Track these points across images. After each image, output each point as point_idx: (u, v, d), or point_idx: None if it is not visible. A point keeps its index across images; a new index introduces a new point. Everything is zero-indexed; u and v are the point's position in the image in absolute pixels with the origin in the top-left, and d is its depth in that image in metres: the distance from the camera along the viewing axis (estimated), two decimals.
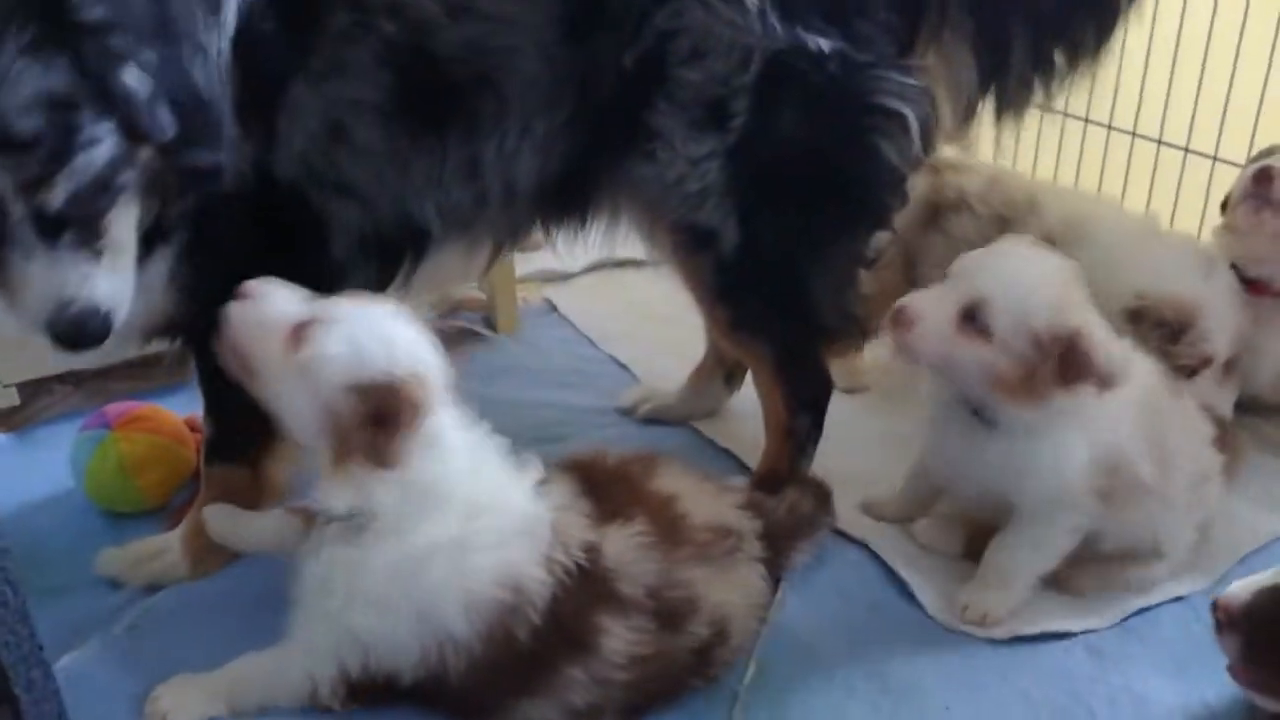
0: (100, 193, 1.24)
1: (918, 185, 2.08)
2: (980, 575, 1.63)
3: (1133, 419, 1.52)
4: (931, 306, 1.45)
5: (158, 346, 1.57)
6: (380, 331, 1.26)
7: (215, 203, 1.39)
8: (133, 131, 1.24)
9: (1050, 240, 1.93)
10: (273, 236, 1.47)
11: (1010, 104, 1.74)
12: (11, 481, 1.96)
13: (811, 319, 1.69)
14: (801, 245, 1.63)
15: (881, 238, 1.70)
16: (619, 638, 1.32)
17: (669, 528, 1.40)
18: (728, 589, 1.43)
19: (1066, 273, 1.49)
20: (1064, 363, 1.41)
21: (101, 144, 1.21)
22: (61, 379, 2.14)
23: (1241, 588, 1.15)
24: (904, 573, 1.71)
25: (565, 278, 2.67)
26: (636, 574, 1.35)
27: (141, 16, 1.22)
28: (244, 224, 1.44)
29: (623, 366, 2.35)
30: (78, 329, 1.26)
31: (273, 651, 1.40)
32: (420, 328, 1.31)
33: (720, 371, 2.10)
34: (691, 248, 1.64)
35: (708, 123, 1.55)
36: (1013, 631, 1.60)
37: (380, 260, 1.58)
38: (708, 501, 1.48)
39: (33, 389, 2.12)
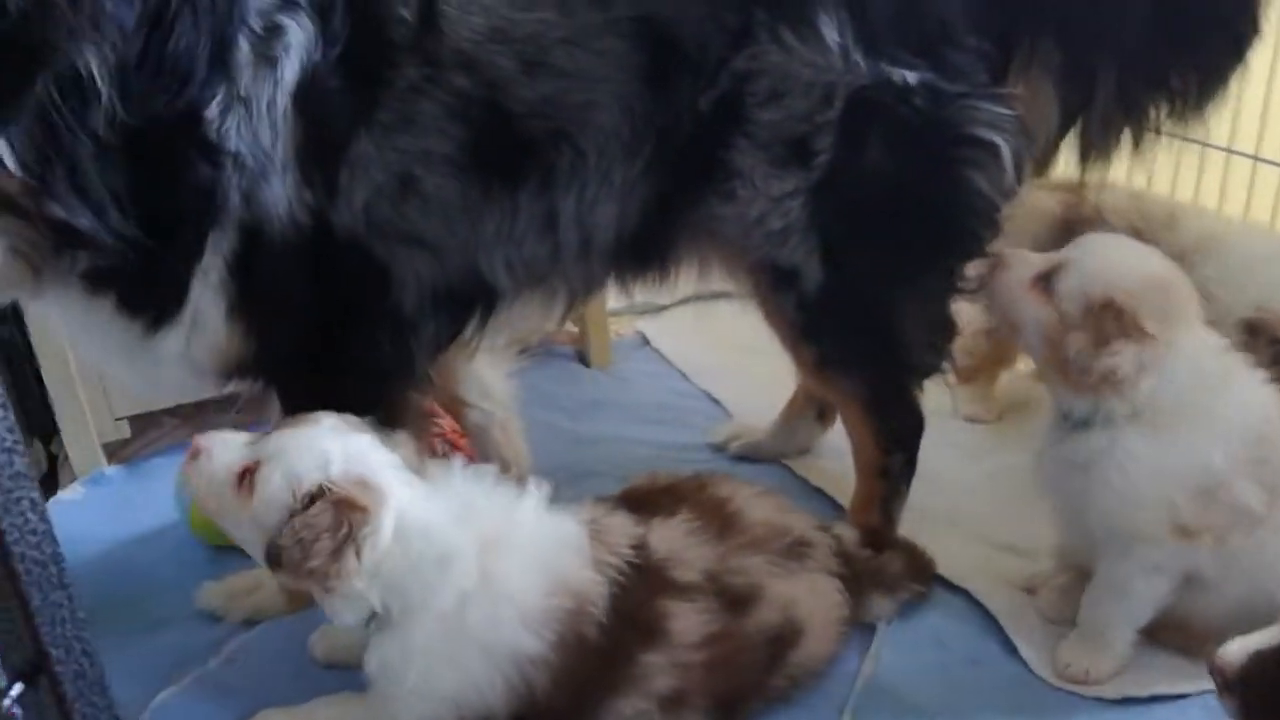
0: None
1: (1052, 204, 2.05)
2: (1077, 630, 1.55)
3: (1235, 441, 1.42)
4: (1021, 261, 1.50)
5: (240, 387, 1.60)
6: (313, 454, 1.29)
7: (267, 250, 1.41)
8: None
9: (1183, 256, 1.87)
10: (335, 286, 1.47)
11: (1094, 145, 1.67)
12: (120, 513, 2.04)
13: (901, 355, 1.65)
14: (889, 281, 1.59)
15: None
16: (686, 619, 1.35)
17: (721, 522, 1.44)
18: (796, 586, 1.44)
19: (1161, 271, 1.45)
20: (1094, 327, 1.39)
21: None
22: (171, 412, 2.21)
23: (1239, 648, 1.08)
24: (1007, 625, 1.63)
25: (658, 310, 2.65)
26: (691, 559, 1.39)
27: None
28: (302, 273, 1.44)
29: (715, 401, 2.32)
30: None
31: (365, 700, 1.41)
32: (360, 430, 1.35)
33: (812, 408, 2.05)
34: (774, 286, 1.61)
35: (790, 160, 1.52)
36: (1123, 692, 1.50)
37: (450, 314, 1.57)
38: (763, 505, 1.50)
39: (143, 422, 2.20)
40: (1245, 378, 1.49)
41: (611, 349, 2.51)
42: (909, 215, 1.54)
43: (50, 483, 2.20)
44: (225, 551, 1.89)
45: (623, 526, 1.41)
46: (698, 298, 2.60)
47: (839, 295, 1.58)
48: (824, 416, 2.05)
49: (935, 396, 1.78)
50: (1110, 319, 1.39)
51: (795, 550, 1.47)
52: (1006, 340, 1.59)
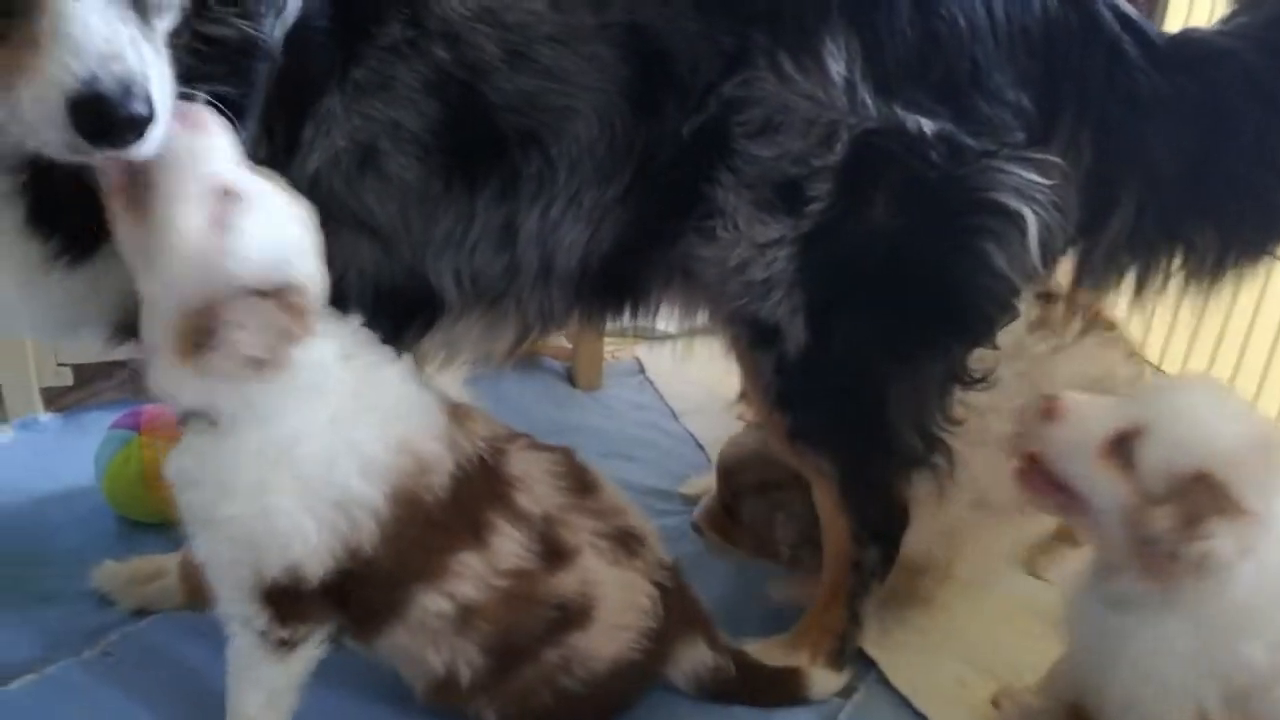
0: None
1: None
2: None
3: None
4: (1089, 413, 1.23)
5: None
6: (291, 234, 1.18)
7: None
8: None
9: None
10: None
11: (1092, 273, 1.46)
12: (44, 464, 1.93)
13: (884, 438, 1.44)
14: (881, 353, 1.39)
15: (985, 355, 1.44)
16: (510, 539, 1.31)
17: (578, 482, 1.39)
18: (607, 571, 1.37)
19: (1260, 432, 1.21)
20: (1184, 504, 1.14)
21: None
22: (123, 364, 2.08)
23: None
24: None
25: (663, 338, 2.46)
26: (538, 494, 1.35)
27: None
28: None
29: (700, 447, 2.14)
30: (113, 100, 0.96)
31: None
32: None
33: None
34: (752, 342, 1.43)
35: (778, 205, 1.34)
36: None
37: (390, 316, 1.42)
38: (619, 497, 1.44)
39: (90, 371, 2.08)
40: None
41: (604, 372, 2.33)
42: (910, 284, 1.35)
43: None
44: (137, 528, 1.79)
45: (489, 424, 1.37)
46: (706, 332, 2.42)
47: (822, 362, 1.39)
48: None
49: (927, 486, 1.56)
50: (1204, 494, 1.14)
51: (627, 539, 1.39)
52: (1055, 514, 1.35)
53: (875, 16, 1.28)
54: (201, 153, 1.12)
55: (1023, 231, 1.32)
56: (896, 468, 1.48)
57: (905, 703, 1.52)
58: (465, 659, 1.32)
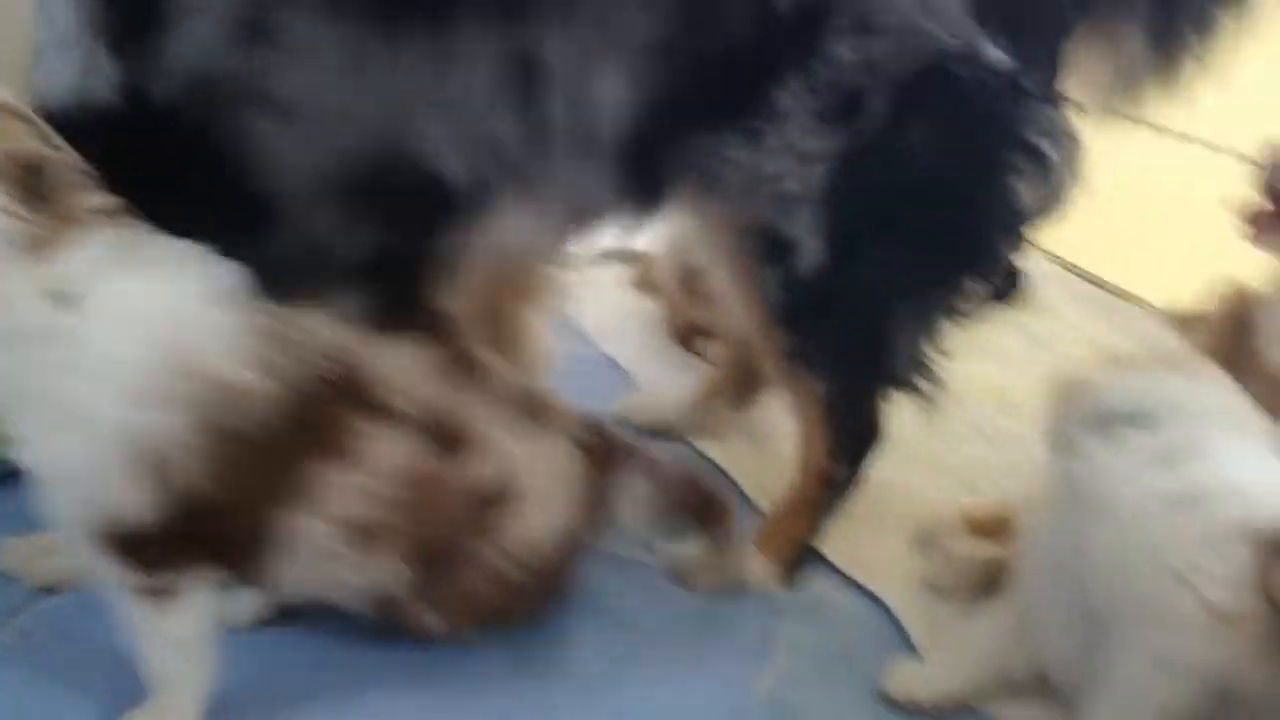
0: None
1: None
2: None
3: None
4: None
5: None
6: None
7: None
8: None
9: None
10: (161, 179, 1.14)
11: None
12: None
13: (881, 363, 1.46)
14: (893, 279, 1.39)
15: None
16: (384, 444, 1.21)
17: (466, 370, 1.30)
18: (522, 445, 1.30)
19: None
20: None
21: None
22: None
23: None
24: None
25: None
26: (417, 389, 1.24)
27: None
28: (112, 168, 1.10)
29: (620, 369, 2.11)
30: None
31: None
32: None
33: (730, 391, 1.86)
34: (762, 256, 1.37)
35: (837, 116, 1.27)
36: None
37: (386, 227, 1.25)
38: (512, 373, 1.38)
39: None
40: None
41: None
42: (938, 212, 1.35)
43: None
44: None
45: (327, 332, 1.22)
46: (612, 255, 2.34)
47: (834, 283, 1.37)
48: (741, 400, 1.87)
49: None
50: None
51: (533, 410, 1.33)
52: None
53: None
54: None
55: (1047, 172, 1.34)
56: (884, 390, 1.50)
57: (844, 577, 1.56)
58: (390, 574, 1.26)
